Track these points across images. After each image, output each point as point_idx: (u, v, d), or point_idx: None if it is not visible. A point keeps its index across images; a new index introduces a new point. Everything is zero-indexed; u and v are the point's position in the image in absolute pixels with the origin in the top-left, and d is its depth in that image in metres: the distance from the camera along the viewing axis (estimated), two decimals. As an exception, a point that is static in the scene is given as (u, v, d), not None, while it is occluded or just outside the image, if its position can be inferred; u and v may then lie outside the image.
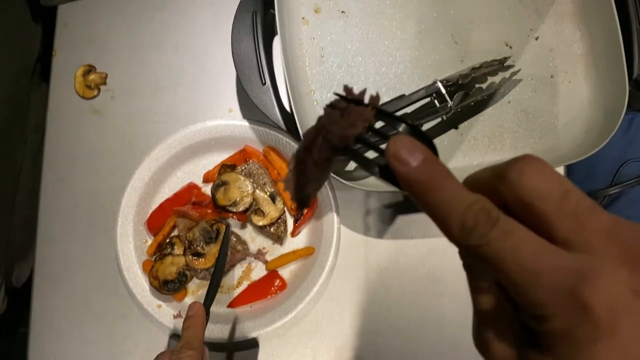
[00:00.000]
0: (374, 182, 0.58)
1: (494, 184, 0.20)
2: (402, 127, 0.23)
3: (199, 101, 0.67)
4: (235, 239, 0.61)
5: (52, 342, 0.64)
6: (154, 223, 0.63)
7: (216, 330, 0.59)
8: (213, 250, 0.60)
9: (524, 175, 0.19)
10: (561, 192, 0.19)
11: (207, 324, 0.51)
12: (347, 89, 0.24)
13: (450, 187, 0.20)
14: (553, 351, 0.18)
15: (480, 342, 0.23)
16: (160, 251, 0.62)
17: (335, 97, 0.24)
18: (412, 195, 0.21)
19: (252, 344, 0.62)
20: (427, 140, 0.22)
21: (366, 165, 0.23)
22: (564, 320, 0.17)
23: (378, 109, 0.23)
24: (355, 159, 0.23)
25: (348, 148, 0.23)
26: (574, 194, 0.19)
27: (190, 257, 0.60)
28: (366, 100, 0.23)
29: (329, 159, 0.23)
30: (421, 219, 0.63)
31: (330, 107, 0.24)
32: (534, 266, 0.18)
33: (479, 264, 0.21)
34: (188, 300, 0.62)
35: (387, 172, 0.21)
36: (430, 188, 0.20)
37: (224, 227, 0.61)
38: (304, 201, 0.25)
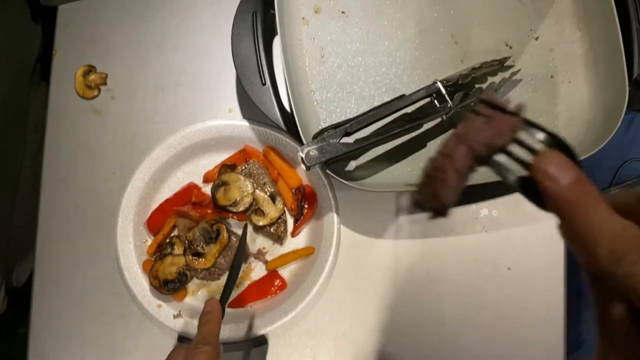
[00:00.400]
0: (374, 182, 0.58)
1: None
2: (544, 137, 0.22)
3: (199, 101, 0.67)
4: (235, 239, 0.61)
5: (52, 342, 0.64)
6: (154, 223, 0.63)
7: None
8: (213, 250, 0.60)
9: None
10: None
11: (222, 320, 0.52)
12: (490, 96, 0.23)
13: (600, 210, 0.19)
14: None
15: None
16: (160, 251, 0.62)
17: (480, 103, 0.23)
18: (558, 214, 0.20)
19: (252, 344, 0.62)
20: (573, 156, 0.21)
21: (507, 177, 0.22)
22: None
23: (525, 119, 0.22)
24: (496, 169, 0.22)
25: (488, 159, 0.22)
26: None
27: (190, 257, 0.60)
28: (511, 109, 0.22)
29: (470, 167, 0.23)
30: (421, 219, 0.63)
31: (475, 113, 0.23)
32: None
33: (619, 293, 0.19)
34: (188, 300, 0.62)
35: (527, 186, 0.20)
36: (580, 209, 0.19)
37: (224, 227, 0.61)
38: (441, 210, 0.24)
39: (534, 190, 0.20)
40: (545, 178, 0.19)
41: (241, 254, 0.59)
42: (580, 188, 0.19)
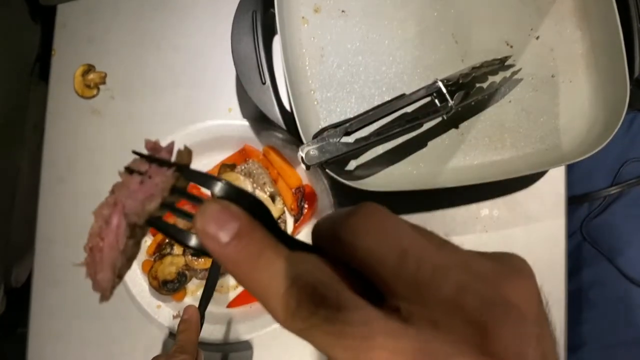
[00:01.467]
0: (374, 182, 0.58)
1: (336, 232, 0.17)
2: (218, 189, 0.18)
3: (199, 101, 0.67)
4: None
5: (51, 343, 0.64)
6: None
7: (216, 331, 0.59)
8: (213, 250, 0.60)
9: (357, 235, 0.16)
10: (398, 252, 0.16)
11: (202, 327, 0.51)
12: (149, 143, 0.19)
13: (269, 263, 0.17)
14: None
15: None
16: (160, 251, 0.61)
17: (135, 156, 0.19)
18: (232, 275, 0.18)
19: (252, 345, 0.62)
20: (248, 200, 0.18)
21: (181, 240, 0.18)
22: None
23: (185, 169, 0.18)
24: (166, 233, 0.19)
25: (153, 222, 0.19)
26: (413, 254, 0.16)
27: (189, 257, 0.60)
28: (173, 157, 0.18)
29: (133, 236, 0.19)
30: (420, 220, 0.63)
31: (129, 171, 0.19)
32: (366, 356, 0.15)
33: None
34: (187, 300, 0.62)
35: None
36: (247, 267, 0.17)
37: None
38: (102, 294, 0.20)
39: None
40: (204, 237, 0.17)
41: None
42: (244, 243, 0.17)
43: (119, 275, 0.19)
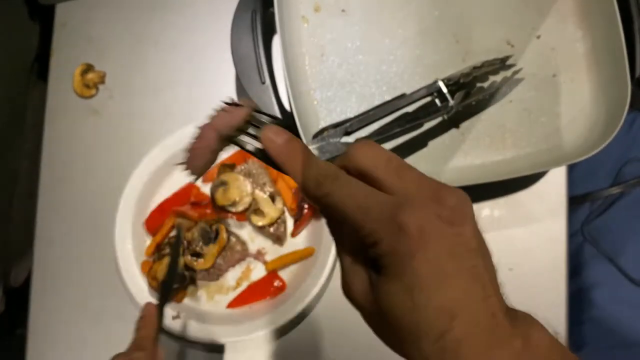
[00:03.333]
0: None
1: (342, 162, 0.27)
2: (268, 120, 0.31)
3: (198, 100, 0.67)
4: (234, 239, 0.61)
5: (51, 343, 0.64)
6: (153, 223, 0.63)
7: (215, 331, 0.59)
8: (212, 250, 0.59)
9: (359, 150, 0.26)
10: (386, 158, 0.26)
11: (161, 323, 0.51)
12: (231, 100, 0.31)
13: (307, 157, 0.27)
14: (388, 271, 0.23)
15: (346, 287, 0.29)
16: (159, 252, 0.61)
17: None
18: (281, 165, 0.27)
19: (252, 345, 0.62)
20: (290, 128, 0.29)
21: (248, 149, 0.30)
22: (389, 240, 0.23)
23: (254, 109, 0.31)
24: (239, 144, 0.30)
25: (231, 138, 0.30)
26: (395, 159, 0.27)
27: (189, 257, 0.60)
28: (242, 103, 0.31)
29: (220, 143, 0.30)
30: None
31: (220, 110, 0.31)
32: (365, 204, 0.24)
33: (331, 214, 0.26)
34: (187, 301, 0.62)
35: (264, 154, 0.29)
36: (293, 158, 0.27)
37: (223, 227, 0.60)
38: (194, 172, 0.31)
39: (268, 156, 0.28)
40: (267, 142, 0.28)
41: (176, 256, 0.58)
42: (291, 145, 0.27)
43: (205, 167, 0.31)
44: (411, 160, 0.58)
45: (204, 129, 0.31)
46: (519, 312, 0.26)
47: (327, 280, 0.61)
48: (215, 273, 0.61)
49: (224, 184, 0.60)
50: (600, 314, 0.74)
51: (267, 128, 0.28)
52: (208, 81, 0.67)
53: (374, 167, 0.26)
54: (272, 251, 0.63)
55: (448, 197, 0.26)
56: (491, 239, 0.67)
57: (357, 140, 0.28)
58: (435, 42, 0.60)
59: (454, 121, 0.59)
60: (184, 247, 0.61)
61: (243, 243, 0.62)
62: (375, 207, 0.24)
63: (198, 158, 0.31)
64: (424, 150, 0.59)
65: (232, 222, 0.63)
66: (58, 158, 0.68)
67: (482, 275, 0.25)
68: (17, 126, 0.72)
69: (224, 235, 0.60)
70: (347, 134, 0.52)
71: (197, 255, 0.60)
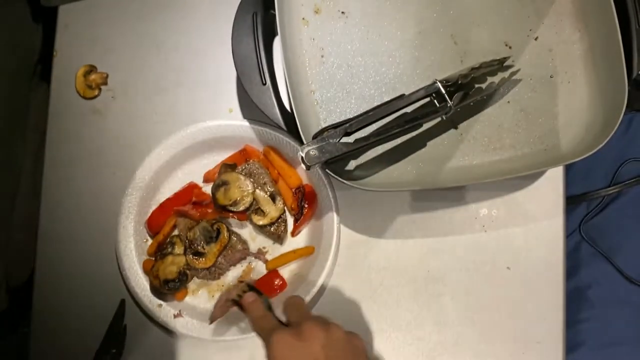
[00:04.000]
0: (374, 182, 0.58)
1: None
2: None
3: (200, 101, 0.67)
4: (235, 238, 0.62)
5: (53, 342, 0.64)
6: (155, 222, 0.63)
7: (216, 329, 0.59)
8: (213, 249, 0.60)
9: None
10: (290, 303, 0.50)
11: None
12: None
13: (260, 308, 0.49)
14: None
15: None
16: (161, 250, 0.62)
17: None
18: (251, 319, 0.49)
19: (252, 344, 0.62)
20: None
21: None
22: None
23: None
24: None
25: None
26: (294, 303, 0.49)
27: (190, 256, 0.60)
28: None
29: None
30: (421, 219, 0.64)
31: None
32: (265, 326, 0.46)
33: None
34: (188, 299, 0.62)
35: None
36: (255, 315, 0.48)
37: (224, 226, 0.61)
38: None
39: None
40: (246, 303, 0.50)
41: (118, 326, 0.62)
42: (255, 309, 0.49)
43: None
44: (410, 160, 0.59)
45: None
46: None
47: (327, 279, 0.62)
48: (216, 272, 0.62)
49: (225, 183, 0.60)
50: (598, 313, 0.74)
51: (248, 295, 0.51)
52: (209, 82, 0.68)
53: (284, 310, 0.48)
54: (273, 250, 0.63)
55: (303, 324, 0.42)
56: (489, 238, 0.68)
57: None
58: (434, 44, 0.61)
59: (452, 122, 0.60)
60: (185, 246, 0.61)
61: (244, 242, 0.62)
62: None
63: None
64: (423, 150, 0.59)
65: (233, 221, 0.64)
66: (61, 158, 0.68)
67: None
68: (20, 127, 0.72)
69: (225, 234, 0.60)
70: (347, 134, 0.52)
71: (199, 254, 0.60)
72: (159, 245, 0.62)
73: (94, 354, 0.60)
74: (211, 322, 0.57)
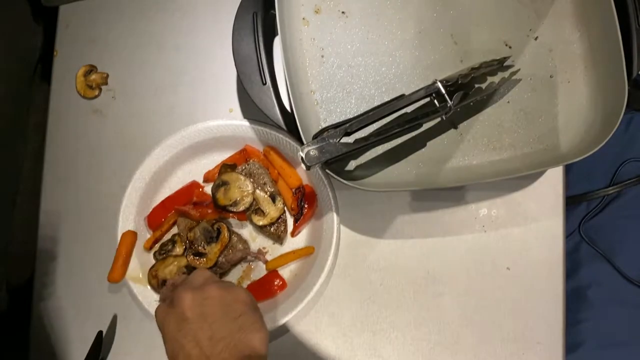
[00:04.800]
0: (374, 182, 0.58)
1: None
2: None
3: (200, 101, 0.68)
4: (235, 238, 0.62)
5: (53, 342, 0.64)
6: (155, 219, 0.63)
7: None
8: (214, 249, 0.60)
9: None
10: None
11: None
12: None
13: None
14: None
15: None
16: (161, 249, 0.62)
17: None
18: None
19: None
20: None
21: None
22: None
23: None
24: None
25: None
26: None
27: (191, 257, 0.60)
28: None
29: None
30: (421, 219, 0.64)
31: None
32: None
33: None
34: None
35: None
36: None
37: (224, 226, 0.61)
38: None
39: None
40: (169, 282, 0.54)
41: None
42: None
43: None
44: (410, 160, 0.59)
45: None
46: None
47: (327, 279, 0.62)
48: (217, 272, 0.62)
49: (225, 183, 0.61)
50: (598, 313, 0.74)
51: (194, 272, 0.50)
52: (210, 82, 0.68)
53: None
54: (273, 250, 0.63)
55: (175, 292, 0.46)
56: (489, 238, 0.68)
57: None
58: (434, 44, 0.61)
59: (452, 122, 0.60)
60: (186, 246, 0.61)
61: (244, 241, 0.62)
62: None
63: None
64: (423, 150, 0.59)
65: (233, 221, 0.64)
66: (61, 158, 0.68)
67: (196, 332, 0.42)
68: (21, 126, 0.72)
69: (225, 234, 0.60)
70: (347, 134, 0.52)
71: (200, 254, 0.60)
72: (156, 241, 0.63)
73: None
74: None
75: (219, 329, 0.42)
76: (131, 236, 0.62)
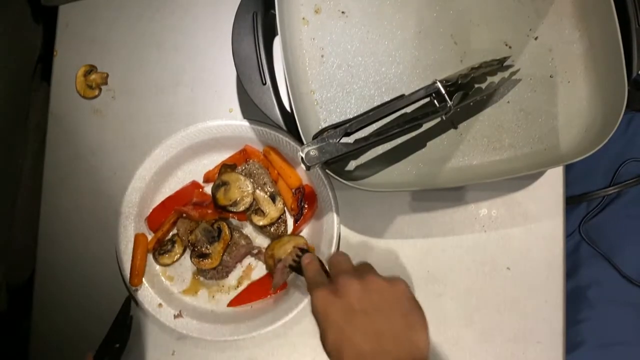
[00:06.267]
0: (374, 182, 0.58)
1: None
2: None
3: (200, 101, 0.68)
4: (238, 235, 0.61)
5: (53, 341, 0.64)
6: (155, 219, 0.63)
7: (216, 330, 0.59)
8: (217, 248, 0.60)
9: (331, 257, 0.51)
10: (335, 261, 0.50)
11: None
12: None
13: (317, 274, 0.49)
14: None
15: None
16: (160, 248, 0.62)
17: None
18: (307, 275, 0.50)
19: (253, 344, 0.62)
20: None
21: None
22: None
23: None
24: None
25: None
26: (336, 269, 0.49)
27: (196, 259, 0.60)
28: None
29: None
30: (421, 219, 0.64)
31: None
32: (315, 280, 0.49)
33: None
34: (189, 300, 0.62)
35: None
36: (310, 267, 0.51)
37: (224, 224, 0.61)
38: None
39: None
40: (305, 262, 0.52)
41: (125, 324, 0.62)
42: (312, 265, 0.51)
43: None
44: (410, 160, 0.59)
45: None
46: None
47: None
48: (223, 270, 0.62)
49: (225, 184, 0.61)
50: (598, 313, 0.74)
51: (306, 256, 0.53)
52: (209, 82, 0.68)
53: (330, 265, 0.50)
54: (273, 250, 0.63)
55: (339, 279, 0.44)
56: (489, 238, 0.67)
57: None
58: (434, 44, 0.61)
59: (452, 122, 0.60)
60: (186, 246, 0.61)
61: (246, 236, 0.62)
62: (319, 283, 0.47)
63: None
64: (423, 150, 0.59)
65: (233, 222, 0.64)
66: (61, 158, 0.68)
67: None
68: (21, 126, 0.72)
69: (226, 231, 0.60)
70: (347, 134, 0.52)
71: (203, 255, 0.60)
72: (158, 242, 0.63)
73: (97, 347, 0.60)
74: (274, 290, 0.60)
75: (390, 325, 0.40)
76: (143, 239, 0.62)
